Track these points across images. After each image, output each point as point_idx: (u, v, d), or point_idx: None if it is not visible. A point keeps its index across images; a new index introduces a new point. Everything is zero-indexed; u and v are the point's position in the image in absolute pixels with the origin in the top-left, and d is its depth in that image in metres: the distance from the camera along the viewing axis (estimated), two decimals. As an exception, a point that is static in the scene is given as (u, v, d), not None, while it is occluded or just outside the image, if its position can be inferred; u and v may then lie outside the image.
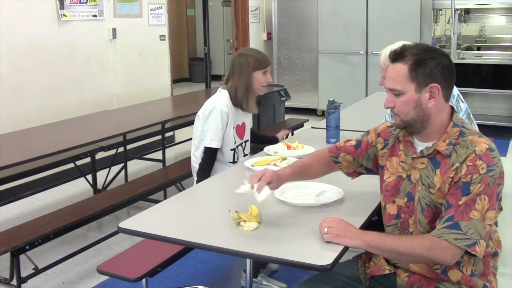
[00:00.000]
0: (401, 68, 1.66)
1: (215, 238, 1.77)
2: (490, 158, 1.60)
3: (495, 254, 1.79)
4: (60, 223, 2.98)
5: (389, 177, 1.83)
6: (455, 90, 2.74)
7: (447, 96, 1.70)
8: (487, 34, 8.17)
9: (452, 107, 1.74)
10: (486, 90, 6.51)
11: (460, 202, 1.59)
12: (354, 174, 2.04)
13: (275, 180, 1.89)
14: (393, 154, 1.84)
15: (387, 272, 1.83)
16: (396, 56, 1.69)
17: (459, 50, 7.13)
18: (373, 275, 1.86)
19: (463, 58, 6.99)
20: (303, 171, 2.01)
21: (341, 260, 1.67)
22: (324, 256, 1.61)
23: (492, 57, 7.15)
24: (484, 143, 1.63)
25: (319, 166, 2.05)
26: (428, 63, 1.64)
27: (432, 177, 1.69)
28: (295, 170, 1.98)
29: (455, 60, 6.67)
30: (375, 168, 1.96)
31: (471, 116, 2.81)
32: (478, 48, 7.83)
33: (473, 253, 1.58)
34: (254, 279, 2.85)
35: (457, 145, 1.66)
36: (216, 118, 2.82)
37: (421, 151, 1.73)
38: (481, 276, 1.74)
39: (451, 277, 1.71)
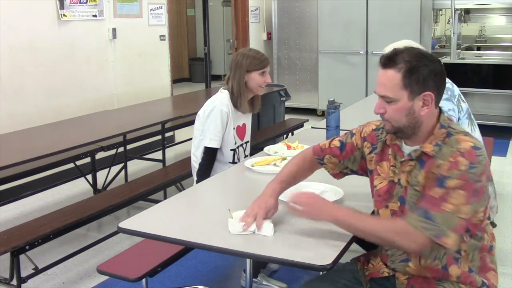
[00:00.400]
0: (394, 75, 1.62)
1: (215, 238, 1.77)
2: (474, 156, 1.57)
3: (490, 248, 1.78)
4: (60, 223, 2.98)
5: (381, 182, 1.81)
6: (456, 90, 2.74)
7: (439, 101, 1.69)
8: (487, 34, 8.19)
9: (440, 108, 1.72)
10: (486, 90, 6.51)
11: (433, 194, 1.58)
12: (340, 175, 2.02)
13: (272, 211, 1.85)
14: (382, 158, 1.82)
15: (386, 274, 1.82)
16: (388, 62, 1.64)
17: (459, 50, 7.13)
18: (372, 277, 1.85)
19: (463, 58, 7.00)
20: (291, 182, 1.98)
21: (340, 262, 1.67)
22: (324, 256, 1.61)
23: (492, 57, 7.16)
24: (468, 141, 1.61)
25: (304, 172, 2.03)
26: (421, 70, 1.61)
27: (417, 176, 1.67)
28: (283, 185, 1.93)
29: (455, 60, 6.68)
30: (361, 170, 1.94)
31: (472, 116, 2.80)
32: (478, 48, 7.85)
33: (442, 244, 1.55)
34: (254, 279, 2.85)
35: (444, 144, 1.64)
36: (216, 118, 2.82)
37: (409, 154, 1.71)
38: (479, 272, 1.73)
39: (451, 273, 1.70)
